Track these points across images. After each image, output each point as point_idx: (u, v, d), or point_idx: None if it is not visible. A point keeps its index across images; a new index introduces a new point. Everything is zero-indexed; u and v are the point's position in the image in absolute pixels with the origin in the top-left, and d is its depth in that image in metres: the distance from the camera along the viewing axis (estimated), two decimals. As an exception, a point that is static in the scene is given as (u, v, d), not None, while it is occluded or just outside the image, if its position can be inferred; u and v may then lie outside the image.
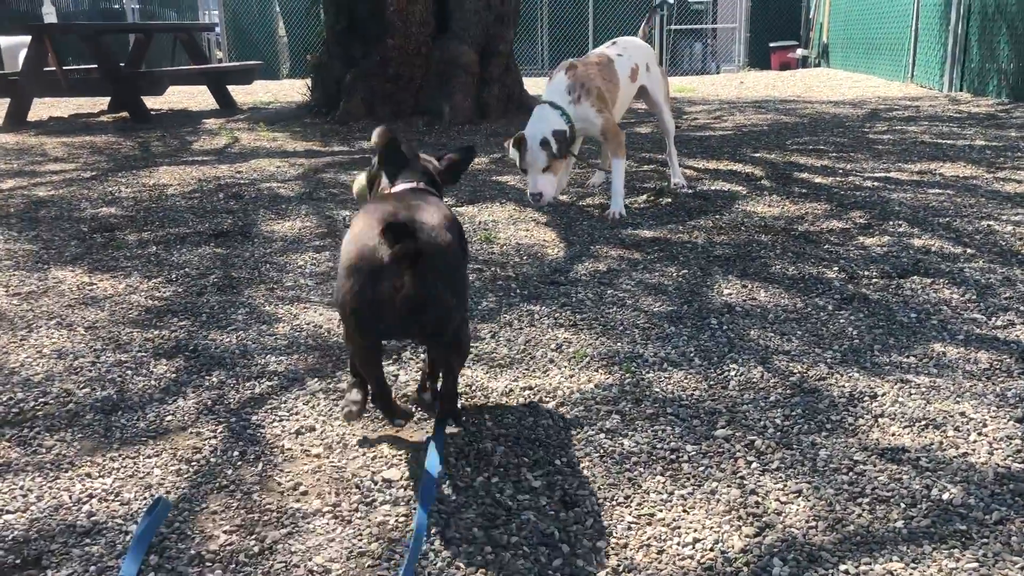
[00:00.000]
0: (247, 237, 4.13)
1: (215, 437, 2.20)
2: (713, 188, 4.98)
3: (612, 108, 4.42)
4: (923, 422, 2.18)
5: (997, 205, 4.35)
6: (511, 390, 2.43)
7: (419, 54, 7.77)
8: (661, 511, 1.83)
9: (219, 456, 2.10)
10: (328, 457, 2.09)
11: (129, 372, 2.61)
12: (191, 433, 2.23)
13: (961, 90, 10.00)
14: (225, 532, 1.79)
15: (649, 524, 1.79)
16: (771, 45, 17.68)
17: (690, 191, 4.88)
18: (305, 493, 1.93)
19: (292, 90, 11.59)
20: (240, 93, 10.83)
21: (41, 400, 2.43)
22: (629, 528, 1.78)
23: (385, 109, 7.87)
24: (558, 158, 4.13)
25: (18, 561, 1.72)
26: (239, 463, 2.07)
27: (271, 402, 2.40)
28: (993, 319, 2.87)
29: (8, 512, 1.88)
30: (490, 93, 7.97)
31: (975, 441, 2.08)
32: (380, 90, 7.84)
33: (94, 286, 3.44)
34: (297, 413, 2.32)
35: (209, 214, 4.62)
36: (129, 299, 3.29)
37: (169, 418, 2.32)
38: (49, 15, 16.15)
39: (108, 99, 9.73)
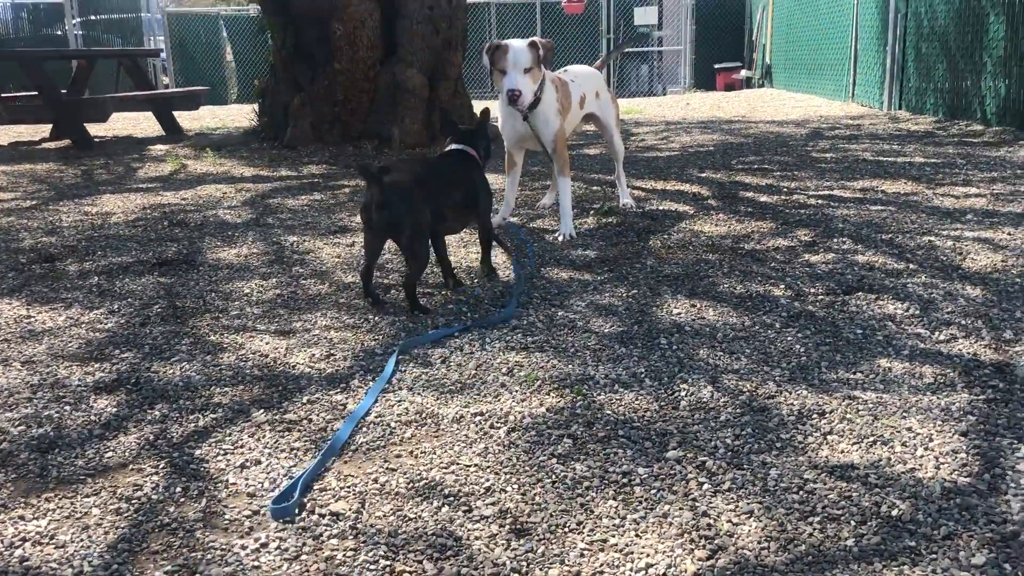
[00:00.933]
0: (192, 265, 4.05)
1: (157, 473, 2.14)
2: (661, 208, 5.01)
3: (565, 123, 4.49)
4: (871, 438, 2.20)
5: (937, 221, 4.44)
6: (462, 416, 2.41)
7: (367, 78, 7.76)
8: (614, 536, 1.82)
9: (161, 493, 2.04)
10: (274, 491, 2.04)
11: (67, 408, 2.54)
12: (132, 470, 2.16)
13: (900, 108, 10.26)
14: (166, 572, 1.73)
15: (602, 550, 1.77)
16: (716, 66, 17.99)
17: (638, 211, 4.92)
18: (250, 530, 1.88)
19: (240, 115, 11.49)
20: (186, 119, 10.70)
21: (-26, 439, 2.34)
22: (582, 555, 1.76)
23: (333, 133, 7.83)
24: (540, 66, 4.12)
25: (-54, 611, 1.64)
26: (182, 500, 2.01)
27: (216, 435, 2.34)
28: (936, 333, 2.91)
29: (-64, 559, 1.80)
30: (439, 117, 7.97)
31: (922, 456, 2.11)
32: (328, 114, 7.80)
33: (32, 319, 3.34)
34: (242, 446, 2.27)
35: (153, 242, 4.53)
36: (69, 332, 3.20)
37: (109, 455, 2.25)
38: (-12, 41, 15.83)
39: (50, 126, 9.54)
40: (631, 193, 5.23)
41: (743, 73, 17.74)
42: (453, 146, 3.67)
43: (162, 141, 9.09)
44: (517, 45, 4.06)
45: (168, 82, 18.02)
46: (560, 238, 4.35)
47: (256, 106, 8.75)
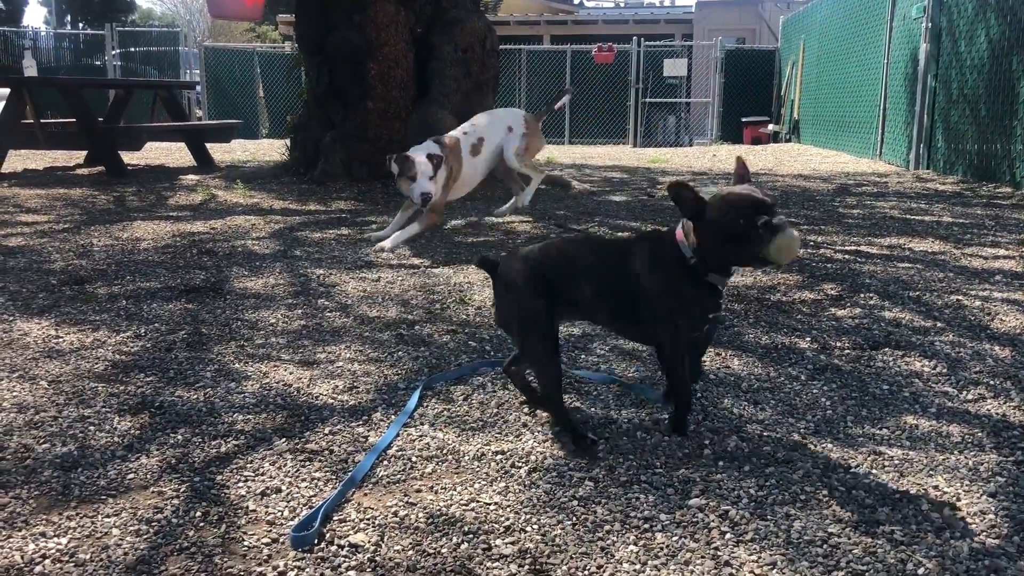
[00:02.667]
0: (219, 293, 4.09)
1: (177, 496, 2.14)
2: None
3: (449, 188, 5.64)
4: (897, 495, 2.17)
5: (965, 280, 4.41)
6: (483, 454, 2.40)
7: (399, 118, 7.86)
8: (634, 581, 1.79)
9: (181, 516, 2.04)
10: (293, 520, 2.03)
11: (91, 428, 2.55)
12: (152, 492, 2.17)
13: (928, 168, 10.25)
14: (183, 596, 1.73)
15: (622, 595, 1.75)
16: (743, 120, 18.10)
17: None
18: (269, 557, 1.88)
19: (270, 149, 11.65)
20: (218, 151, 10.87)
21: (-2, 455, 2.35)
22: (601, 599, 1.74)
23: (363, 170, 7.92)
24: (439, 170, 5.30)
25: (-37, 624, 1.64)
26: (201, 524, 2.01)
27: (237, 461, 2.34)
28: (964, 392, 2.88)
29: (-44, 572, 1.81)
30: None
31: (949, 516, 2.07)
32: (359, 151, 7.89)
33: (60, 339, 3.38)
34: (263, 473, 2.27)
35: (181, 269, 4.58)
36: (95, 353, 3.22)
37: (131, 476, 2.25)
38: (29, 69, 16.21)
39: (85, 152, 9.72)
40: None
41: (770, 127, 17.81)
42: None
43: (194, 172, 9.22)
44: (420, 159, 5.19)
45: (202, 114, 18.34)
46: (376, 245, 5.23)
47: (288, 141, 8.87)
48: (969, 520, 2.05)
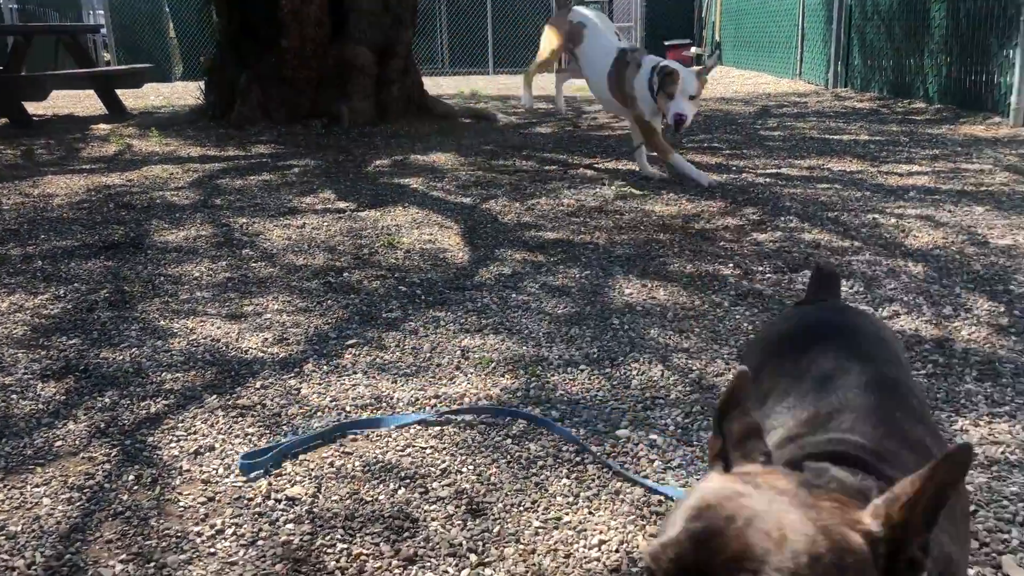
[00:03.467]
0: (139, 248, 3.99)
1: (108, 461, 2.12)
2: (613, 188, 5.05)
3: None
4: (816, 414, 2.26)
5: (882, 198, 4.54)
6: (417, 399, 2.42)
7: (315, 56, 7.65)
8: (568, 514, 1.85)
9: (113, 481, 2.03)
10: (228, 477, 2.03)
11: (14, 396, 2.49)
12: (83, 458, 2.14)
13: (846, 86, 10.42)
14: (121, 561, 1.73)
15: (556, 528, 1.80)
16: (666, 43, 18.06)
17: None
18: (205, 516, 1.88)
19: (185, 93, 11.27)
20: (130, 97, 10.46)
21: (-83, 430, 2.29)
22: (536, 533, 1.79)
23: (282, 112, 7.72)
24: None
25: None
26: (135, 488, 2.00)
27: (168, 421, 2.32)
28: (880, 310, 2.99)
29: None
30: (389, 95, 7.90)
31: (864, 430, 2.17)
32: (276, 93, 7.68)
33: (-26, 305, 3.27)
34: (195, 432, 2.26)
35: (99, 225, 4.45)
36: (13, 318, 3.13)
37: (59, 443, 2.22)
38: (-82, 16, 15.29)
39: (-14, 105, 9.25)
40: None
41: (693, 50, 17.84)
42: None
43: (105, 120, 8.88)
44: (687, 74, 4.68)
45: (109, 59, 17.58)
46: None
47: (202, 84, 8.58)
48: (883, 434, 2.15)
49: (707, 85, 4.77)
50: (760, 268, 3.47)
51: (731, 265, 3.52)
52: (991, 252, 3.57)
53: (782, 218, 4.20)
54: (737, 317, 2.96)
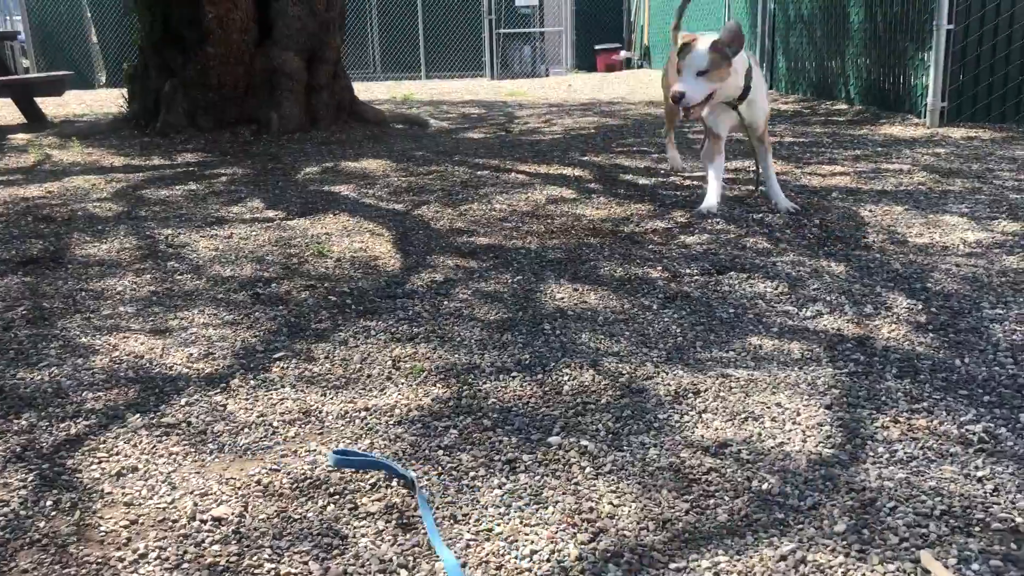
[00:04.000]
0: (59, 263, 3.87)
1: (25, 487, 2.05)
2: (545, 193, 5.07)
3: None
4: (743, 415, 2.30)
5: (805, 199, 4.64)
6: (346, 412, 2.39)
7: (242, 62, 7.53)
8: (499, 525, 1.85)
9: (29, 508, 1.96)
10: (152, 499, 1.98)
11: (-76, 421, 2.39)
12: (-3, 484, 2.06)
13: (771, 89, 10.65)
14: (38, 591, 1.67)
15: (488, 539, 1.80)
16: (596, 48, 18.25)
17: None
18: (128, 540, 1.83)
19: (108, 101, 11.00)
20: (50, 105, 10.16)
21: None
22: (468, 546, 1.78)
23: (208, 119, 7.58)
24: (722, 64, 4.04)
25: None
26: (52, 513, 1.93)
27: (89, 443, 2.25)
28: (803, 310, 3.06)
29: None
30: (319, 100, 7.82)
31: (790, 430, 2.22)
32: (202, 100, 7.54)
33: None
34: (118, 453, 2.19)
35: (16, 240, 4.30)
36: (-77, 339, 3.01)
37: (-28, 470, 2.14)
38: None
39: None
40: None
41: (623, 54, 18.05)
42: None
43: (23, 130, 8.60)
44: (701, 46, 4.05)
45: (28, 66, 17.06)
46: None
47: (125, 91, 8.37)
48: (808, 432, 2.19)
49: (734, 65, 4.07)
50: (688, 271, 3.52)
51: (659, 268, 3.56)
52: (910, 251, 3.68)
53: (708, 221, 4.27)
54: (666, 320, 3.00)
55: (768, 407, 2.34)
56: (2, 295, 3.46)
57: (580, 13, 19.01)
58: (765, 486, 1.96)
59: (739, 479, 1.99)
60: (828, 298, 3.16)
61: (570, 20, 18.91)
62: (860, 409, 2.31)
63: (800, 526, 1.80)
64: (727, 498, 1.92)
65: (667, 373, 2.57)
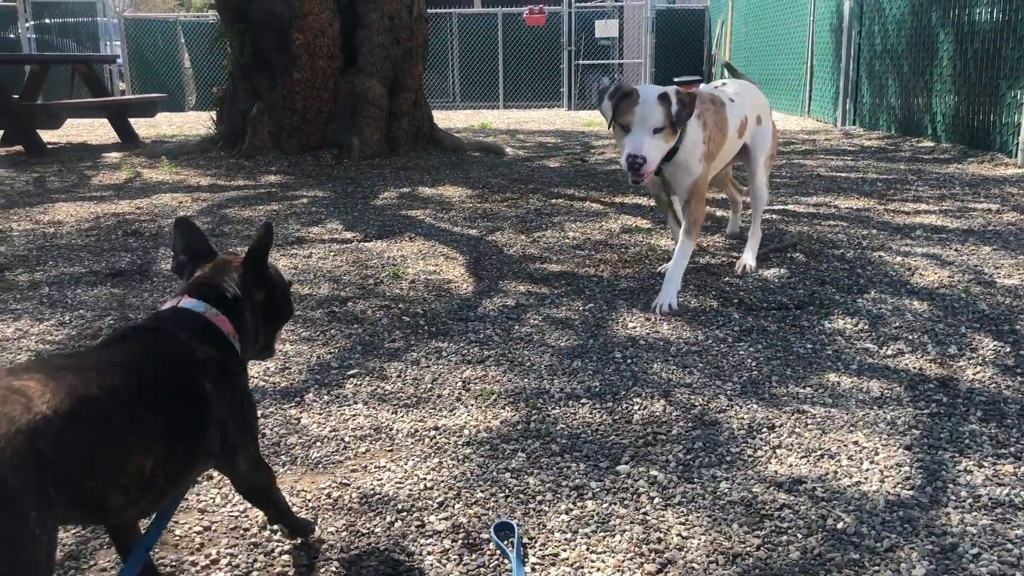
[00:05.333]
0: (146, 276, 4.01)
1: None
2: (619, 222, 5.06)
3: (709, 164, 3.63)
4: (819, 452, 2.24)
5: (888, 236, 4.54)
6: (417, 431, 2.41)
7: (326, 88, 7.74)
8: (565, 551, 1.83)
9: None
10: (225, 507, 2.02)
11: (15, 422, 2.49)
12: (80, 485, 2.13)
13: (854, 124, 10.46)
14: (114, 591, 1.71)
15: (553, 564, 1.79)
16: (675, 80, 18.18)
17: (754, 276, 3.87)
18: (201, 546, 1.87)
19: (197, 123, 11.39)
20: (143, 126, 10.58)
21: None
22: (533, 570, 1.77)
23: (292, 143, 7.79)
24: (673, 126, 3.28)
25: None
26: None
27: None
28: (884, 348, 2.98)
29: None
30: (399, 127, 7.97)
31: (868, 469, 2.15)
32: (287, 123, 7.76)
33: (-21, 330, 3.28)
34: (194, 461, 2.25)
35: (107, 252, 4.47)
36: (18, 344, 3.14)
37: (57, 470, 2.21)
38: (-62, 44, 15.52)
39: (0, 132, 9.37)
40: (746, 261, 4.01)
41: (702, 87, 17.94)
42: (179, 302, 1.67)
43: (117, 148, 8.97)
44: (649, 97, 3.26)
45: (124, 88, 17.78)
46: (657, 308, 3.41)
47: (214, 114, 8.67)
48: (886, 473, 2.13)
49: (697, 109, 3.40)
50: (765, 304, 3.46)
51: (735, 301, 3.51)
52: (997, 292, 3.55)
53: (788, 254, 4.19)
54: (741, 353, 2.95)
55: (845, 445, 2.28)
56: (92, 305, 3.59)
57: (660, 45, 19.01)
58: (840, 525, 1.90)
59: (813, 517, 1.94)
60: (910, 337, 3.07)
61: (650, 52, 18.92)
62: (942, 451, 2.23)
63: (876, 568, 1.74)
64: (800, 535, 1.87)
65: (741, 407, 2.53)
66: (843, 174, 6.71)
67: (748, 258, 4.00)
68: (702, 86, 3.73)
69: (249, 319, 1.72)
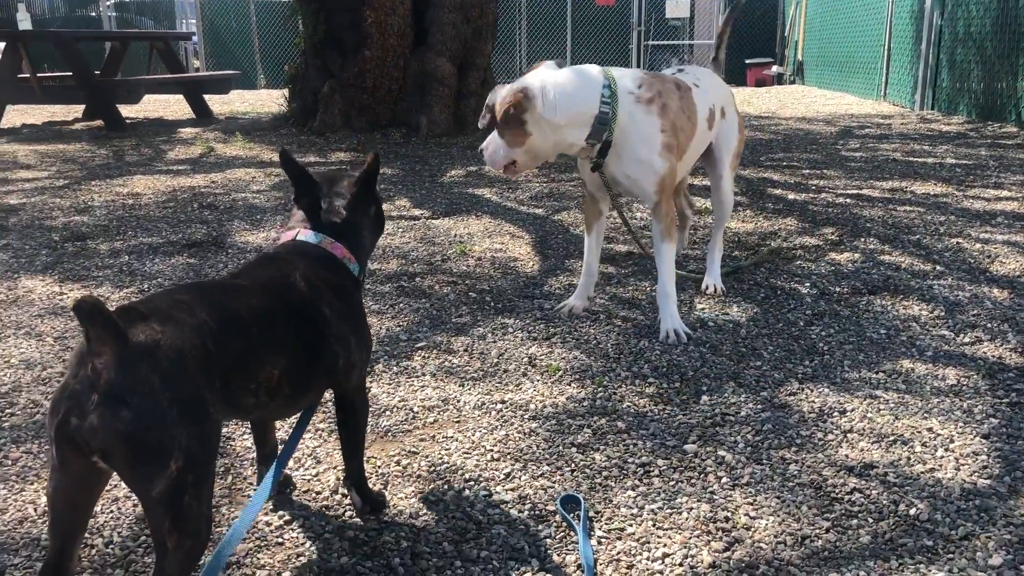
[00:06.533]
0: (220, 247, 4.11)
1: (184, 450, 2.18)
2: (688, 203, 5.00)
3: (678, 158, 3.00)
4: (891, 438, 2.20)
5: (966, 223, 4.41)
6: (483, 403, 2.43)
7: (397, 66, 7.79)
8: (631, 525, 1.83)
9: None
10: (298, 470, 2.07)
11: (98, 383, 2.58)
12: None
13: (932, 108, 10.15)
14: (192, 546, 1.77)
15: (619, 539, 1.79)
16: (747, 62, 17.86)
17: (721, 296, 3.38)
18: (274, 507, 1.92)
19: (269, 100, 11.57)
20: (217, 102, 10.79)
21: (7, 411, 2.40)
22: (599, 543, 1.78)
23: (362, 120, 7.87)
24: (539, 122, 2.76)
25: (-20, 575, 1.69)
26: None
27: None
28: (961, 336, 2.90)
29: (-30, 525, 1.85)
30: (468, 106, 7.99)
31: (942, 457, 2.11)
32: (357, 101, 7.84)
33: (64, 295, 3.41)
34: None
35: (182, 224, 4.59)
36: (99, 309, 3.25)
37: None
38: (24, 21, 16.02)
39: (82, 107, 9.66)
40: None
41: (774, 69, 17.60)
42: (296, 234, 1.86)
43: (192, 124, 9.17)
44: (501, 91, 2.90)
45: (199, 66, 18.15)
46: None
47: (286, 91, 8.80)
48: (961, 461, 2.08)
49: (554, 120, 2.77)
50: (837, 288, 3.40)
51: (807, 284, 3.45)
52: (1083, 281, 3.43)
53: (861, 239, 4.11)
54: (812, 337, 2.90)
55: (919, 431, 2.23)
56: (169, 274, 3.69)
57: (733, 26, 18.69)
58: (913, 511, 1.87)
59: (884, 502, 1.91)
60: (989, 325, 2.99)
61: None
62: (1022, 442, 2.17)
63: (951, 555, 1.71)
64: (871, 520, 1.84)
65: (812, 390, 2.49)
66: (919, 159, 6.53)
67: (714, 279, 3.42)
68: (635, 71, 2.98)
69: (365, 236, 1.92)
